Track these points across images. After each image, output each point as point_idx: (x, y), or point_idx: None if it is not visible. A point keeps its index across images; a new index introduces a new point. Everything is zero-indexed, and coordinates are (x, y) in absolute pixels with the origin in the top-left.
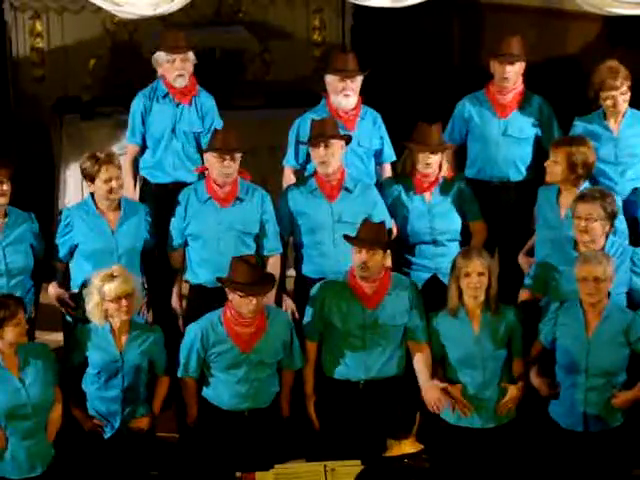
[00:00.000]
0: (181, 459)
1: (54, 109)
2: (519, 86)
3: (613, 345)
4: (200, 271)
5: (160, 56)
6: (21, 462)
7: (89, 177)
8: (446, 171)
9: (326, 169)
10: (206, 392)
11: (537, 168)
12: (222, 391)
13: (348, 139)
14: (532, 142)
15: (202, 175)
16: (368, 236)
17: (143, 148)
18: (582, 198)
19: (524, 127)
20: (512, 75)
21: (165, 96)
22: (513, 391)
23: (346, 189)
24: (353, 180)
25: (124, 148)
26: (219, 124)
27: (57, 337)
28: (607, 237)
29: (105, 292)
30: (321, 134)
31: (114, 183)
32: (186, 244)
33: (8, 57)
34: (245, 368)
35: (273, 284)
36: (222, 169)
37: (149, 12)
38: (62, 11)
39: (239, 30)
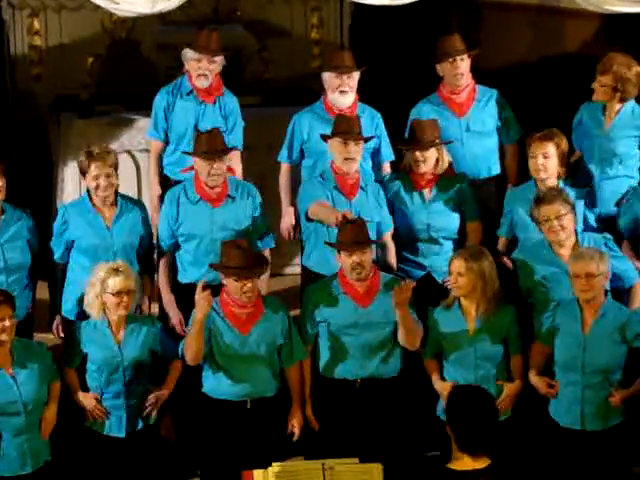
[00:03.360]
0: (182, 457)
1: (52, 107)
2: (471, 82)
3: (609, 343)
4: (191, 270)
5: (188, 53)
6: (12, 459)
7: (82, 172)
8: (445, 167)
9: (351, 166)
10: (207, 386)
11: (503, 162)
12: (223, 379)
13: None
14: (496, 135)
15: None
16: (355, 238)
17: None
18: (543, 201)
19: (485, 120)
20: (464, 70)
21: (189, 93)
22: (510, 389)
23: (362, 188)
24: (364, 179)
25: (123, 146)
26: (242, 124)
27: (52, 336)
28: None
29: (108, 285)
30: (348, 131)
31: (102, 180)
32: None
33: (6, 55)
34: (246, 351)
35: (266, 266)
36: (212, 171)
37: (147, 10)
38: (60, 9)
39: (237, 28)
